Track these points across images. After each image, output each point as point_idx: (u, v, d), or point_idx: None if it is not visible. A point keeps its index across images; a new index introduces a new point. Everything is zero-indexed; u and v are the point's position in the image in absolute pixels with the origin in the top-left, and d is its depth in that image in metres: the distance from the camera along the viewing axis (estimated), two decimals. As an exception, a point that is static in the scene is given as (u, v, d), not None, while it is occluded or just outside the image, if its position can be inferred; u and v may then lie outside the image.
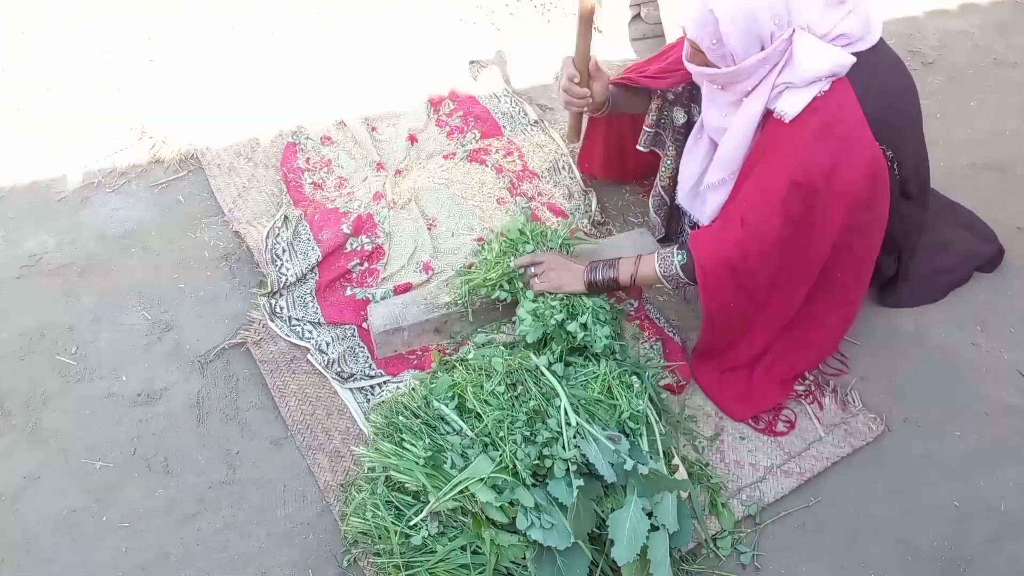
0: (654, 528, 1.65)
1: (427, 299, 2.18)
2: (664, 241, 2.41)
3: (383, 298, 2.24)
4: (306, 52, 3.18)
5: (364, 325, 2.21)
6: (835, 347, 2.16)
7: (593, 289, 2.05)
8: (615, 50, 3.33)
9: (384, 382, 2.09)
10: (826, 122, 1.75)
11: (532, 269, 2.07)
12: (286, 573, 1.77)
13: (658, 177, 2.32)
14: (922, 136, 2.17)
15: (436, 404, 1.80)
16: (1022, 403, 2.14)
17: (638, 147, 2.30)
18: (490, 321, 2.21)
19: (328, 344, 2.17)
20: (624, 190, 2.67)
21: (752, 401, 2.06)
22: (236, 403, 2.07)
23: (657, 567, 1.63)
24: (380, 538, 1.69)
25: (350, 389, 2.08)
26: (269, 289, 2.27)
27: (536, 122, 2.89)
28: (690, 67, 1.89)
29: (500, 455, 1.67)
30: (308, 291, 2.30)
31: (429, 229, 2.48)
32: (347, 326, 2.22)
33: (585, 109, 2.25)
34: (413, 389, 1.91)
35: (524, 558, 1.63)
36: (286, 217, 2.47)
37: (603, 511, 1.68)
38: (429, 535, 1.64)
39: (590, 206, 2.58)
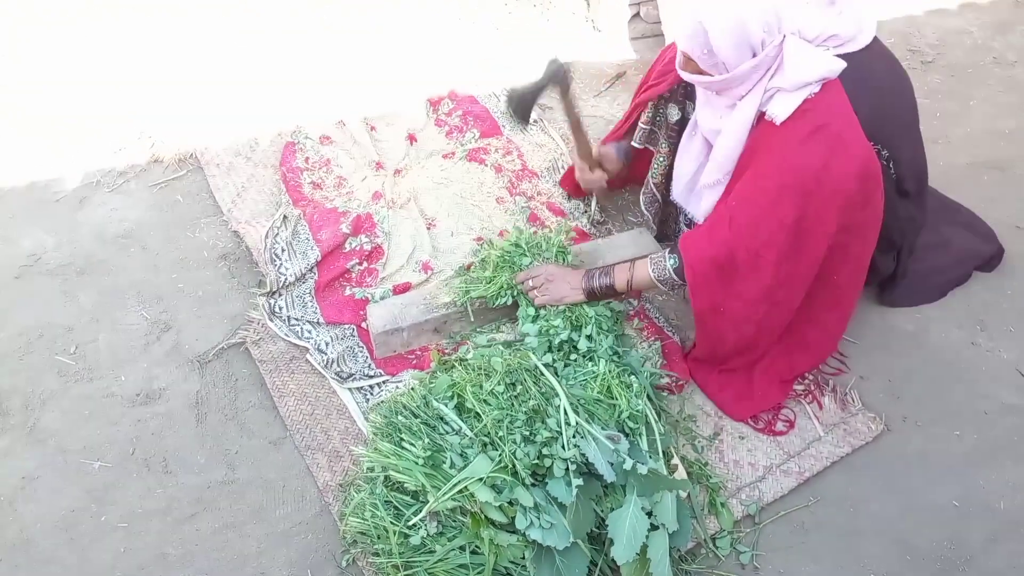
0: (653, 527, 1.65)
1: (426, 299, 2.18)
2: (657, 239, 2.41)
3: (382, 298, 2.24)
4: (306, 52, 3.18)
5: (363, 325, 2.21)
6: (834, 347, 2.16)
7: (592, 297, 2.07)
8: (614, 50, 3.33)
9: (383, 382, 2.09)
10: (816, 124, 1.76)
11: (531, 282, 2.09)
12: (285, 573, 1.77)
13: (650, 174, 2.32)
14: (918, 134, 2.17)
15: (435, 404, 1.80)
16: (1021, 402, 2.13)
17: (633, 143, 2.31)
18: (489, 321, 2.21)
19: (327, 344, 2.16)
20: (624, 190, 2.66)
21: (751, 400, 2.06)
22: (235, 403, 2.07)
23: (656, 566, 1.63)
24: (379, 538, 1.69)
25: (349, 389, 2.07)
26: (268, 289, 2.27)
27: (535, 121, 2.89)
28: (684, 75, 1.90)
29: (499, 455, 1.67)
30: (307, 291, 2.29)
31: (428, 229, 2.48)
32: (346, 326, 2.22)
33: (604, 185, 2.40)
34: (412, 389, 1.91)
35: (523, 558, 1.63)
36: (285, 217, 2.46)
37: (602, 511, 1.68)
38: (428, 535, 1.64)
39: (589, 206, 2.57)
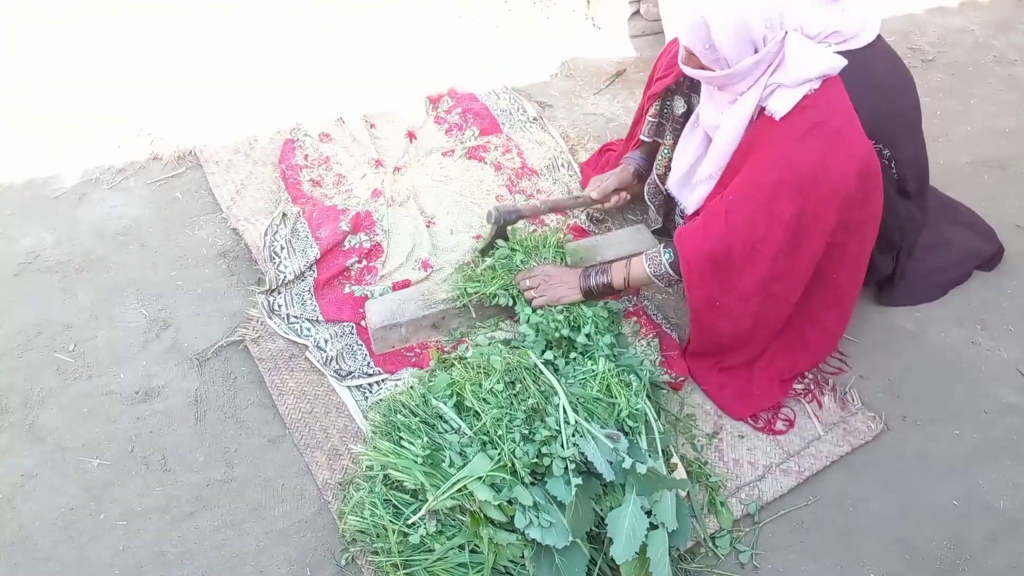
0: (653, 527, 1.65)
1: (424, 295, 2.18)
2: (661, 233, 2.41)
3: (381, 295, 2.24)
4: (305, 52, 3.18)
5: (362, 323, 2.21)
6: (834, 347, 2.15)
7: (590, 296, 2.07)
8: (614, 47, 3.33)
9: (382, 380, 2.09)
10: (815, 121, 1.76)
11: (528, 282, 2.09)
12: (284, 571, 1.77)
13: (655, 165, 2.32)
14: (920, 134, 2.17)
15: (434, 402, 1.80)
16: (1021, 402, 2.13)
17: (641, 136, 2.31)
18: (488, 317, 2.21)
19: (326, 341, 2.16)
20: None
21: (751, 399, 2.06)
22: (234, 401, 2.07)
23: (656, 566, 1.62)
24: (378, 536, 1.69)
25: (348, 387, 2.07)
26: (267, 286, 2.26)
27: (535, 119, 2.89)
28: (686, 70, 1.90)
29: (498, 453, 1.66)
30: (306, 288, 2.29)
31: (428, 226, 2.47)
32: (345, 324, 2.21)
33: (628, 198, 2.43)
34: (411, 387, 1.91)
35: (522, 557, 1.63)
36: (284, 214, 2.46)
37: (602, 509, 1.68)
38: (427, 533, 1.64)
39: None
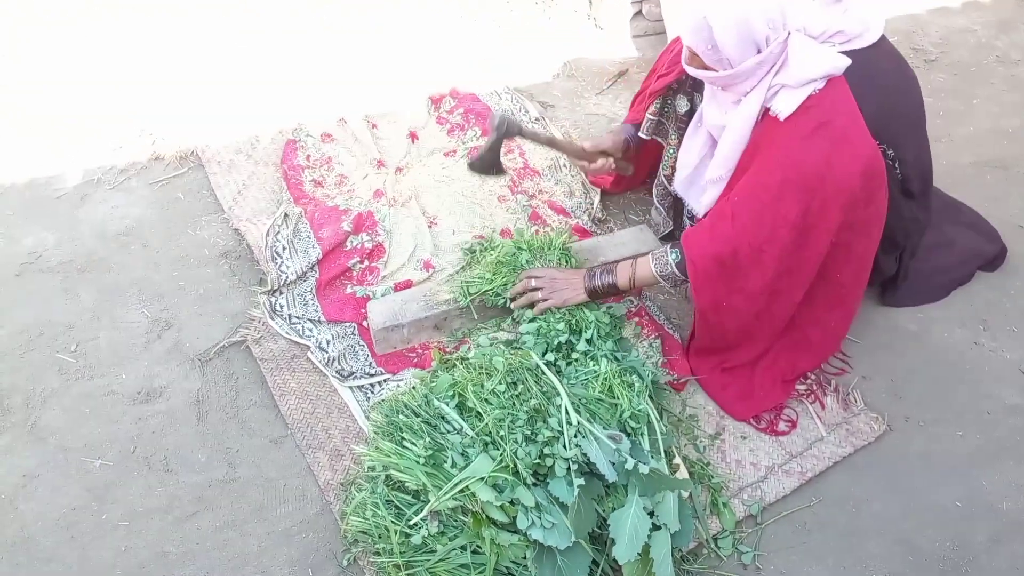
0: (655, 527, 1.64)
1: (426, 296, 2.17)
2: (671, 236, 2.40)
3: (383, 296, 2.24)
4: (306, 52, 3.18)
5: (364, 323, 2.21)
6: (837, 347, 2.15)
7: (595, 296, 2.06)
8: (616, 47, 3.33)
9: (384, 380, 2.09)
10: (819, 121, 1.75)
11: (534, 283, 2.08)
12: (286, 572, 1.77)
13: (661, 166, 2.31)
14: (924, 134, 2.16)
15: (436, 403, 1.79)
16: (1024, 402, 2.13)
17: (640, 134, 2.30)
18: (490, 318, 2.20)
19: (328, 342, 2.16)
20: (632, 189, 2.66)
21: (754, 400, 2.06)
22: (236, 401, 2.07)
23: (659, 567, 1.62)
24: (380, 537, 1.69)
25: (350, 387, 2.07)
26: (269, 287, 2.26)
27: (537, 119, 2.89)
28: (689, 70, 1.89)
29: (500, 454, 1.66)
30: (308, 289, 2.29)
31: (429, 227, 2.47)
32: (347, 324, 2.21)
33: (614, 167, 2.37)
34: (413, 388, 1.91)
35: (524, 558, 1.63)
36: (286, 215, 2.46)
37: (604, 510, 1.67)
38: (429, 534, 1.64)
39: (592, 204, 2.57)
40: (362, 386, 2.08)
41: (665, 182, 2.31)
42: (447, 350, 2.14)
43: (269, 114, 2.84)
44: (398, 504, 1.69)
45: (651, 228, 2.41)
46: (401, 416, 1.79)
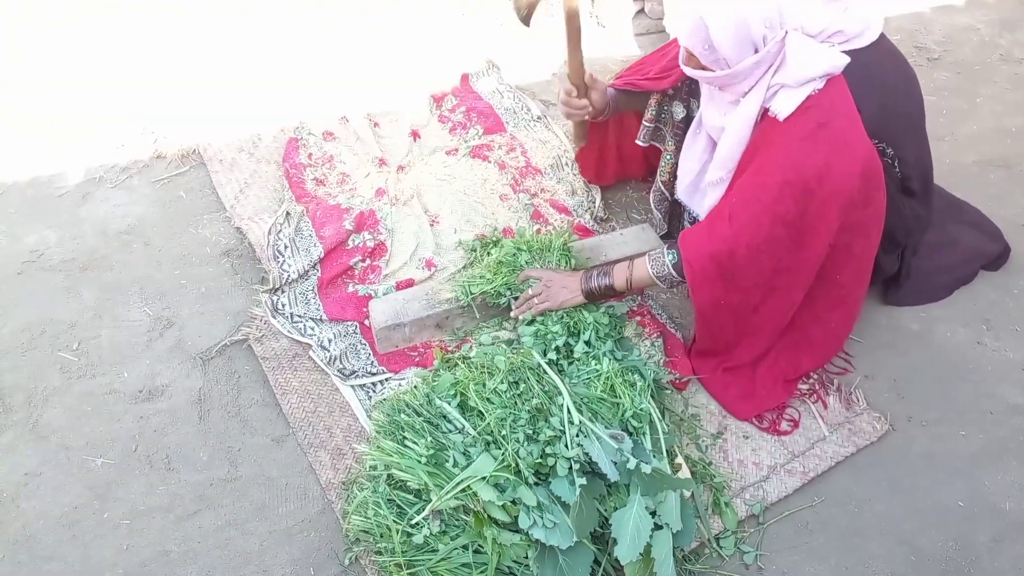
0: (657, 527, 1.64)
1: (428, 295, 2.17)
2: (667, 238, 2.40)
3: (385, 294, 2.24)
4: (307, 52, 3.17)
5: (366, 322, 2.20)
6: (840, 347, 2.15)
7: (592, 298, 2.06)
8: (618, 46, 3.32)
9: (386, 379, 2.08)
10: (818, 121, 1.75)
11: (531, 290, 2.08)
12: (287, 571, 1.77)
13: (658, 172, 2.31)
14: (924, 133, 2.16)
15: (438, 402, 1.79)
16: (1027, 402, 2.13)
17: (637, 142, 2.29)
18: (492, 317, 2.20)
19: (330, 341, 2.16)
20: (627, 186, 2.66)
21: (756, 400, 2.05)
22: (237, 400, 2.07)
23: (660, 566, 1.62)
24: (382, 536, 1.69)
25: (352, 386, 2.07)
26: (271, 285, 2.26)
27: (539, 118, 2.88)
28: (687, 71, 1.89)
29: (502, 453, 1.66)
30: (310, 288, 2.29)
31: (431, 226, 2.47)
32: (349, 323, 2.21)
33: (586, 117, 2.27)
34: (415, 387, 1.91)
35: (526, 557, 1.63)
36: (288, 213, 2.46)
37: (606, 510, 1.67)
38: (431, 534, 1.64)
39: (594, 202, 2.57)
40: (364, 385, 2.08)
41: (662, 188, 2.31)
42: (449, 349, 2.14)
43: (271, 113, 2.83)
44: (400, 503, 1.69)
45: (653, 227, 2.40)
46: (403, 415, 1.79)
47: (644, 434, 1.78)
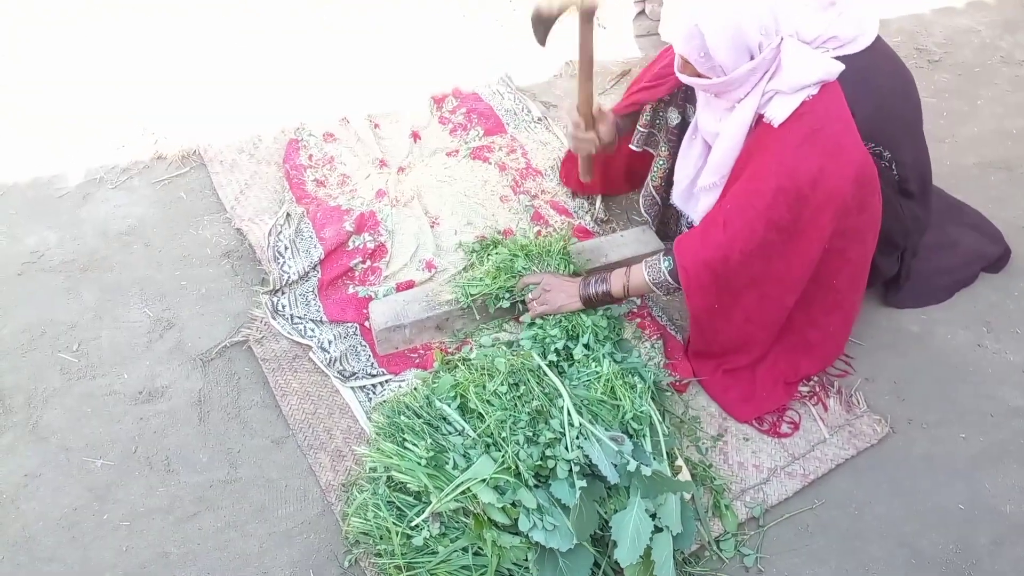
0: (657, 529, 1.64)
1: (428, 296, 2.17)
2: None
3: (385, 296, 2.23)
4: (308, 52, 3.17)
5: (366, 324, 2.20)
6: (839, 351, 2.15)
7: (590, 304, 2.06)
8: (618, 47, 3.32)
9: (386, 381, 2.08)
10: (813, 127, 1.75)
11: (531, 288, 2.08)
12: (287, 573, 1.77)
13: (649, 177, 2.30)
14: (921, 135, 2.16)
15: (438, 404, 1.79)
16: (1028, 405, 2.12)
17: (631, 146, 2.28)
18: (492, 319, 2.20)
19: (330, 342, 2.16)
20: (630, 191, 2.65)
21: (756, 402, 2.05)
22: (237, 401, 2.06)
23: (660, 569, 1.62)
24: (381, 538, 1.69)
25: (352, 388, 2.07)
26: (271, 287, 2.26)
27: (540, 119, 2.88)
28: (682, 78, 1.89)
29: (502, 456, 1.66)
30: (310, 289, 2.29)
31: (432, 227, 2.47)
32: (349, 324, 2.21)
33: (593, 150, 2.22)
34: (415, 388, 1.91)
35: (526, 559, 1.63)
36: (288, 214, 2.46)
37: (606, 512, 1.67)
38: (431, 536, 1.64)
39: (594, 204, 2.56)
40: (364, 387, 2.07)
41: (653, 192, 2.31)
42: (449, 351, 2.14)
43: (271, 114, 2.83)
44: (400, 505, 1.69)
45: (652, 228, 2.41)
46: (403, 417, 1.79)
47: (644, 436, 1.78)
